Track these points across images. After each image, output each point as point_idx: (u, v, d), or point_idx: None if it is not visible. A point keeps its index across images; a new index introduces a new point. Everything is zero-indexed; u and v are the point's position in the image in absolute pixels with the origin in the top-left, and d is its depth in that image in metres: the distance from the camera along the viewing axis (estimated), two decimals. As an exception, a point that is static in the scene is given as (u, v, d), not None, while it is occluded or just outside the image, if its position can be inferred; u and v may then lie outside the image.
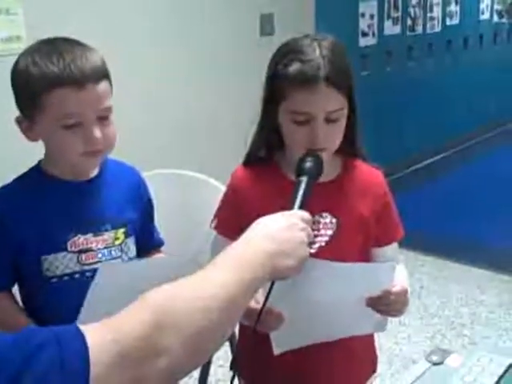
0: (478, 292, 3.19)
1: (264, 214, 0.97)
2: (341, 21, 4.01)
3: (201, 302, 0.79)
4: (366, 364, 1.43)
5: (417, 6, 4.94)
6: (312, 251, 1.07)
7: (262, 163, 1.32)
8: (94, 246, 1.28)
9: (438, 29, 5.22)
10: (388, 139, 4.71)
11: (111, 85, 1.25)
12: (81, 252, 1.26)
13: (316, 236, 1.23)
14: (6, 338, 0.71)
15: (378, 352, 1.45)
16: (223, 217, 1.32)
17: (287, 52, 1.21)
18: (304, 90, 1.17)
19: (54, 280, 1.25)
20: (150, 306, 0.77)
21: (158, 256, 1.44)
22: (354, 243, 1.30)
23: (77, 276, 1.26)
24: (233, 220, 1.26)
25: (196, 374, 1.84)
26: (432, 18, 5.14)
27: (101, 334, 0.73)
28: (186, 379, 0.86)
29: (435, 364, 1.23)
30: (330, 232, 1.27)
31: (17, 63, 1.22)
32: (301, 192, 1.06)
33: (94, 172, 1.32)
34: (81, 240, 1.26)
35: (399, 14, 4.75)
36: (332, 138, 1.22)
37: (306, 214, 1.00)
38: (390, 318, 1.26)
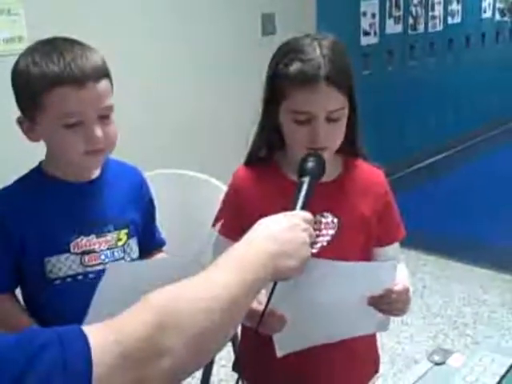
0: (480, 291, 3.19)
1: (265, 215, 0.97)
2: (342, 20, 4.01)
3: (203, 302, 0.79)
4: (368, 364, 1.43)
5: (418, 5, 4.94)
6: (314, 251, 1.07)
7: (263, 163, 1.32)
8: (96, 247, 1.27)
9: (439, 27, 5.22)
10: (390, 138, 4.71)
11: (112, 84, 1.25)
12: (84, 253, 1.26)
13: (317, 236, 1.23)
14: (9, 338, 0.71)
15: (380, 352, 1.45)
16: (225, 218, 1.32)
17: (288, 51, 1.21)
18: (304, 90, 1.17)
19: (57, 282, 1.25)
20: (153, 307, 0.77)
21: (162, 256, 1.44)
22: (355, 243, 1.30)
23: (80, 277, 1.26)
24: (234, 221, 1.26)
25: (198, 374, 1.84)
26: (434, 17, 5.14)
27: (103, 335, 0.73)
28: (188, 379, 0.86)
29: (437, 364, 1.23)
30: (331, 232, 1.27)
31: (17, 63, 1.22)
32: (303, 192, 1.06)
33: (96, 173, 1.32)
34: (84, 241, 1.26)
35: (401, 12, 4.75)
36: (333, 137, 1.22)
37: (307, 215, 1.00)
38: (392, 318, 1.26)
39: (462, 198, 4.38)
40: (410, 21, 4.88)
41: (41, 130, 1.22)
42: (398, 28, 4.75)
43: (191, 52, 3.09)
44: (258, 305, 1.04)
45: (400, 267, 1.24)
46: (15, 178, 1.30)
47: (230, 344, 1.67)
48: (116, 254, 1.30)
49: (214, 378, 2.25)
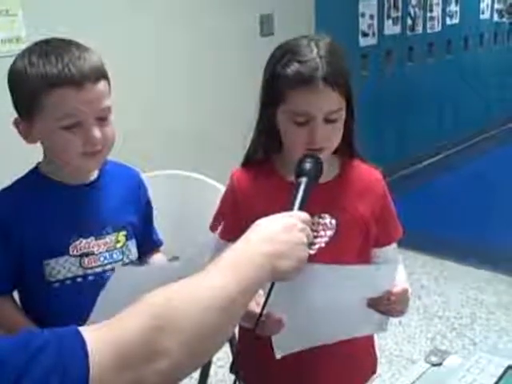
0: (477, 292, 3.19)
1: (263, 215, 0.97)
2: (341, 21, 4.01)
3: (200, 303, 0.79)
4: (366, 365, 1.43)
5: (417, 6, 4.94)
6: (312, 252, 1.07)
7: (260, 165, 1.32)
8: (95, 249, 1.27)
9: (438, 28, 5.21)
10: (388, 139, 4.71)
11: (110, 85, 1.24)
12: (83, 256, 1.26)
13: (315, 237, 1.23)
14: (6, 341, 0.71)
15: (377, 353, 1.45)
16: (224, 221, 1.32)
17: (285, 53, 1.21)
18: (302, 91, 1.17)
19: (57, 284, 1.24)
20: (150, 308, 0.77)
21: (161, 257, 1.44)
22: (353, 244, 1.30)
23: (79, 280, 1.26)
24: (232, 222, 1.25)
25: (196, 375, 1.85)
26: (432, 18, 5.14)
27: (100, 336, 0.73)
28: (186, 380, 0.86)
29: (434, 365, 1.23)
30: (329, 233, 1.27)
31: (14, 65, 1.21)
32: (300, 193, 1.06)
33: (94, 175, 1.31)
34: (83, 244, 1.26)
35: (399, 13, 4.75)
36: (330, 138, 1.22)
37: (305, 215, 1.00)
38: (390, 319, 1.26)
39: (460, 199, 4.38)
40: (409, 22, 4.88)
41: (38, 131, 1.21)
42: (397, 29, 4.74)
43: (189, 53, 3.09)
44: (255, 306, 1.04)
45: (399, 268, 1.24)
46: (14, 178, 1.30)
47: (227, 345, 1.67)
48: (115, 255, 1.30)
49: (211, 379, 2.25)
